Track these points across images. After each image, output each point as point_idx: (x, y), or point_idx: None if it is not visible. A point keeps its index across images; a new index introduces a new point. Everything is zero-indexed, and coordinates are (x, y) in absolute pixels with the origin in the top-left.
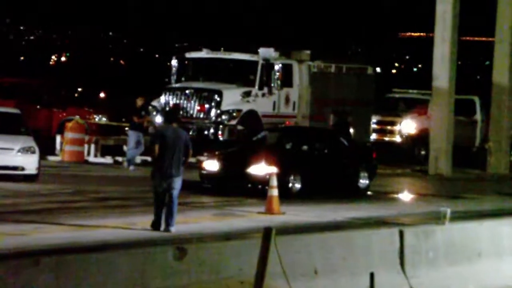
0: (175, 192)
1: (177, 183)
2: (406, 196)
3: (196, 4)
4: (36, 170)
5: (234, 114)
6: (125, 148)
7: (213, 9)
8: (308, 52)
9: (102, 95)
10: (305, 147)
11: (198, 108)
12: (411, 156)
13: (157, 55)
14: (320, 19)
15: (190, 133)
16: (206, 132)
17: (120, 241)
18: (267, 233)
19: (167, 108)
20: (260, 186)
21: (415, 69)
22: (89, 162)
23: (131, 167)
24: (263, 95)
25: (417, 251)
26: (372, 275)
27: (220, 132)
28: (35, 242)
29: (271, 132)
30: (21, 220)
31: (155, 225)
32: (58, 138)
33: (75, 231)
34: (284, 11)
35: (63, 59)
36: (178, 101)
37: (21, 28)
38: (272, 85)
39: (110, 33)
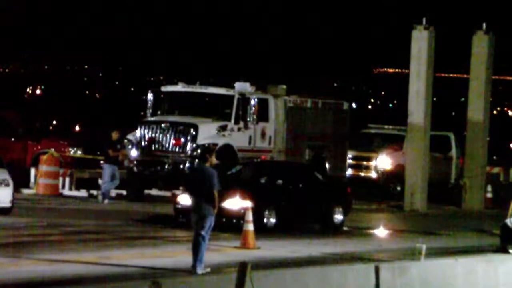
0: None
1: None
2: (381, 232)
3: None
4: (10, 203)
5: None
6: (100, 181)
7: (192, 42)
8: (284, 86)
9: (77, 127)
10: (280, 182)
11: (174, 142)
12: (386, 191)
13: (132, 89)
14: (297, 54)
15: (166, 167)
16: (181, 166)
17: (95, 276)
18: (242, 268)
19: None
20: (235, 221)
21: (390, 105)
22: (63, 195)
23: (106, 201)
24: (239, 129)
25: (393, 287)
26: None
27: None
28: (8, 276)
29: (246, 167)
30: None
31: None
32: (33, 171)
33: (49, 265)
34: (261, 46)
35: (38, 91)
36: (153, 135)
37: None
38: (248, 119)
39: (86, 66)
